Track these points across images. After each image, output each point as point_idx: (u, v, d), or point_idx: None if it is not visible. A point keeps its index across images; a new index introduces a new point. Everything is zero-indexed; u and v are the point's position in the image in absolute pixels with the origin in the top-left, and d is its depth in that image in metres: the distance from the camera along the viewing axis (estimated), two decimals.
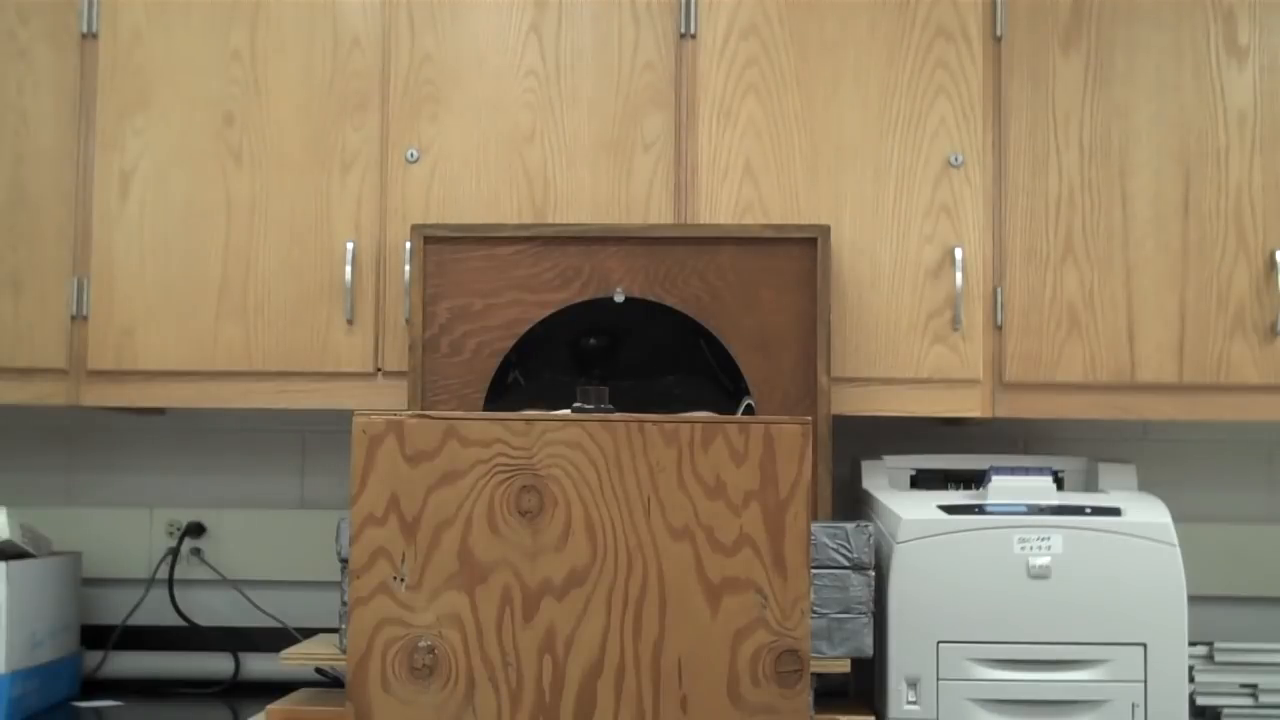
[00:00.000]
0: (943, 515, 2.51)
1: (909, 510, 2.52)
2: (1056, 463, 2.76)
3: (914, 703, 2.47)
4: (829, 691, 2.58)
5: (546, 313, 2.68)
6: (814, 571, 2.38)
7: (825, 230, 2.66)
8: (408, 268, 2.69)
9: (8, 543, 2.68)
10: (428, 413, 1.72)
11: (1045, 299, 2.71)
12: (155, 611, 3.04)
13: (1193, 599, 2.50)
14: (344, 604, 2.37)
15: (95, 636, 3.01)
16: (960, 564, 2.48)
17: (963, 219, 2.71)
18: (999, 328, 2.71)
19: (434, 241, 2.69)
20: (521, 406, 2.59)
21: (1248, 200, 2.71)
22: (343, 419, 1.77)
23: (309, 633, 2.88)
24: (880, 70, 2.74)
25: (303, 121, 2.77)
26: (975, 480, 2.68)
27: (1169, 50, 2.73)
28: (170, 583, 3.03)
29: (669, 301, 2.67)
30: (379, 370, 2.73)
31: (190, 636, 3.04)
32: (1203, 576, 2.63)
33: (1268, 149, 2.72)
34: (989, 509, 2.52)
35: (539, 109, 2.76)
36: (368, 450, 1.69)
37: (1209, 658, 2.71)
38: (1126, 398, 2.71)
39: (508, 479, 1.69)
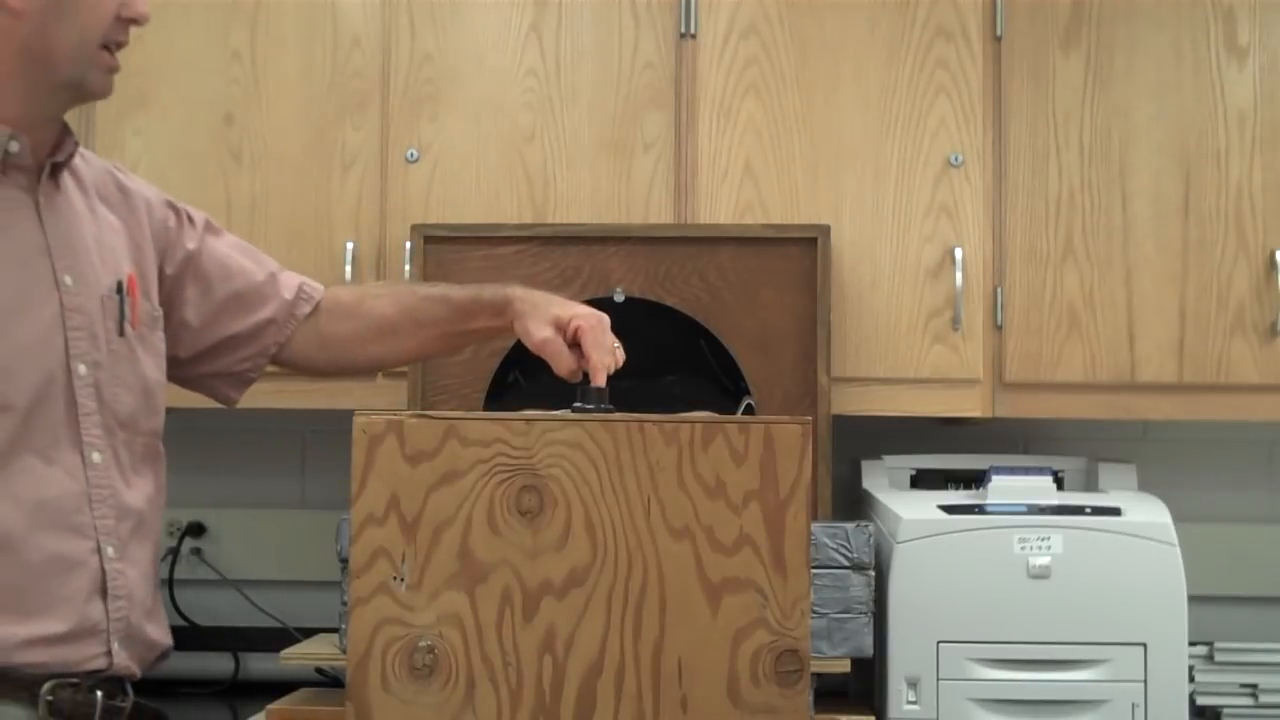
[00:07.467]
0: (943, 515, 2.51)
1: (909, 510, 2.52)
2: (1056, 463, 2.75)
3: (914, 703, 2.47)
4: (829, 691, 2.57)
5: None
6: (814, 571, 2.38)
7: (825, 230, 2.66)
8: (408, 268, 2.69)
9: None
10: (428, 413, 1.72)
11: (1045, 299, 2.71)
12: None
13: (1193, 599, 2.50)
14: (344, 604, 2.37)
15: None
16: (960, 564, 2.47)
17: (963, 219, 2.71)
18: (999, 328, 2.71)
19: (434, 241, 2.69)
20: (521, 406, 2.58)
21: (1248, 200, 2.71)
22: (343, 419, 1.77)
23: (309, 633, 2.87)
24: (880, 70, 2.73)
25: (303, 121, 2.77)
26: (975, 480, 2.68)
27: (1169, 50, 2.73)
28: (170, 583, 3.02)
29: (669, 301, 2.67)
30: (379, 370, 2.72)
31: (190, 636, 3.03)
32: (1203, 576, 2.63)
33: (1268, 149, 2.72)
34: (989, 509, 2.52)
35: (539, 109, 2.76)
36: (368, 450, 1.69)
37: (1209, 658, 2.71)
38: (1126, 398, 2.71)
39: (508, 479, 1.68)
